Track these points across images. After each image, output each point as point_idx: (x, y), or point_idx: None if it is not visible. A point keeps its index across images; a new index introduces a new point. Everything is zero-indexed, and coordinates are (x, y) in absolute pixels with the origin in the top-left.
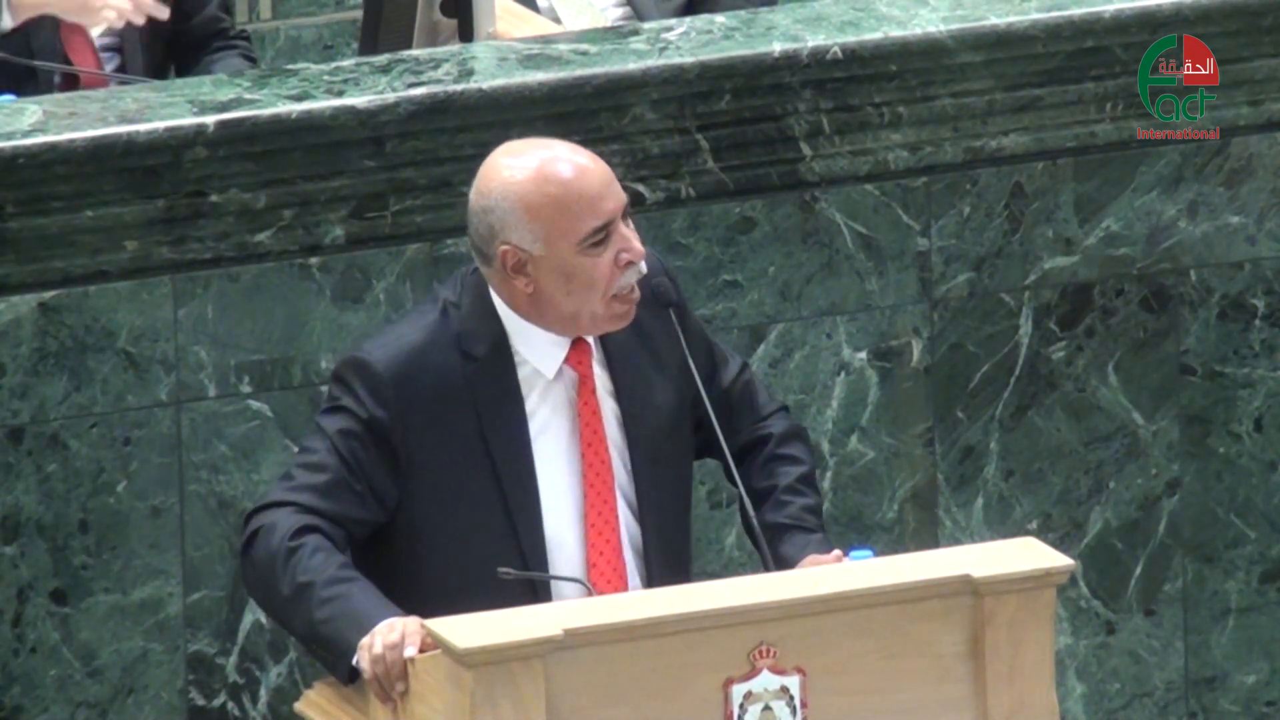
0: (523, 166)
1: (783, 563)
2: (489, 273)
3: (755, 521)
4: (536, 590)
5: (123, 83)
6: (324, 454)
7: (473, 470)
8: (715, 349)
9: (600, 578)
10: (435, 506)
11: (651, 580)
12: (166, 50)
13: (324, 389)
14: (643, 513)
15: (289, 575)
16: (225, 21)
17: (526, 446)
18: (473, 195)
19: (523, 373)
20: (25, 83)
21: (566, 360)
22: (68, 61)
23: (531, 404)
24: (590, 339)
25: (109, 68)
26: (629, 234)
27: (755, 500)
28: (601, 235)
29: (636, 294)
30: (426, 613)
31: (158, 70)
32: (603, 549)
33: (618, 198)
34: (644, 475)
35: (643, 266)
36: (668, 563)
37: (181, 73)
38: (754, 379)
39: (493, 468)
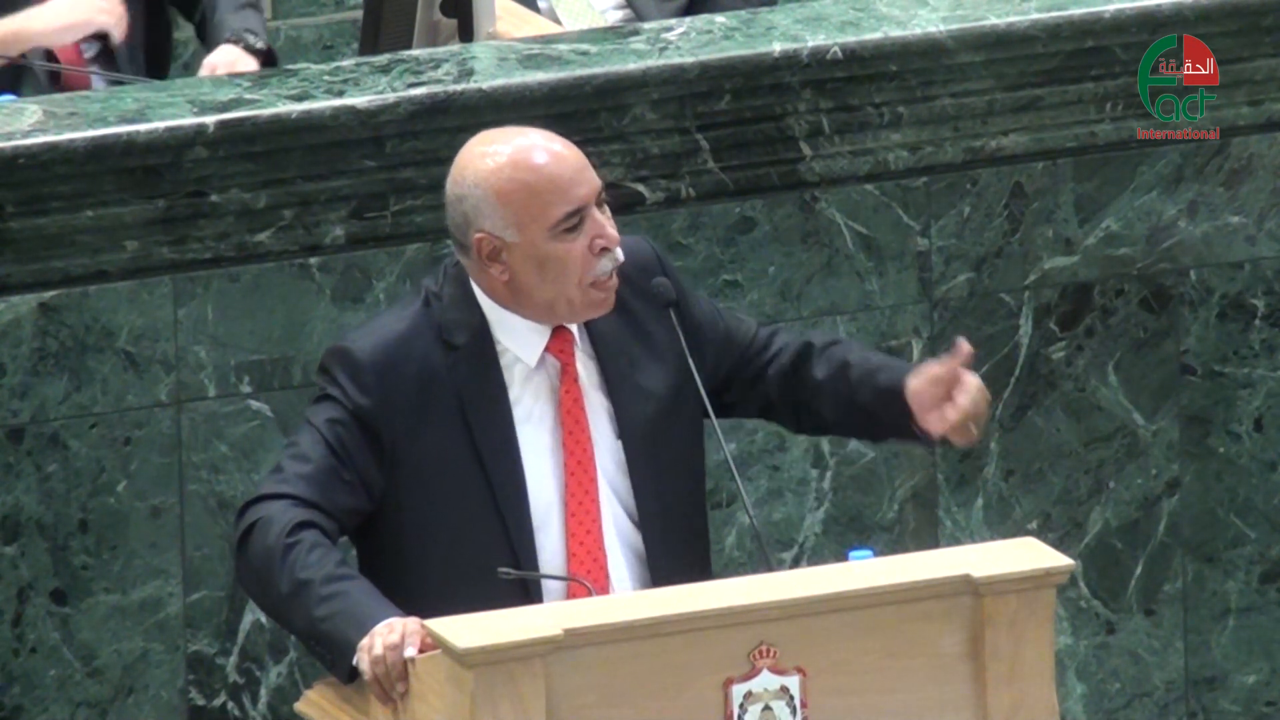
0: (495, 154)
1: (893, 393)
2: (467, 262)
3: (841, 406)
4: (527, 583)
5: (113, 81)
6: (312, 444)
7: (458, 458)
8: (731, 323)
9: (580, 568)
10: (421, 495)
11: (658, 569)
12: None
13: (316, 388)
14: (640, 503)
15: (287, 572)
16: None
17: (511, 434)
18: (449, 184)
19: (504, 361)
20: (17, 80)
21: (548, 349)
22: (49, 53)
23: (515, 392)
24: (574, 329)
25: (89, 54)
26: (603, 220)
27: (830, 390)
28: (574, 221)
29: (614, 281)
30: (416, 602)
31: (153, 30)
32: (583, 539)
33: (591, 184)
34: (640, 466)
35: (619, 254)
36: (677, 550)
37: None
38: (775, 329)
39: (478, 456)
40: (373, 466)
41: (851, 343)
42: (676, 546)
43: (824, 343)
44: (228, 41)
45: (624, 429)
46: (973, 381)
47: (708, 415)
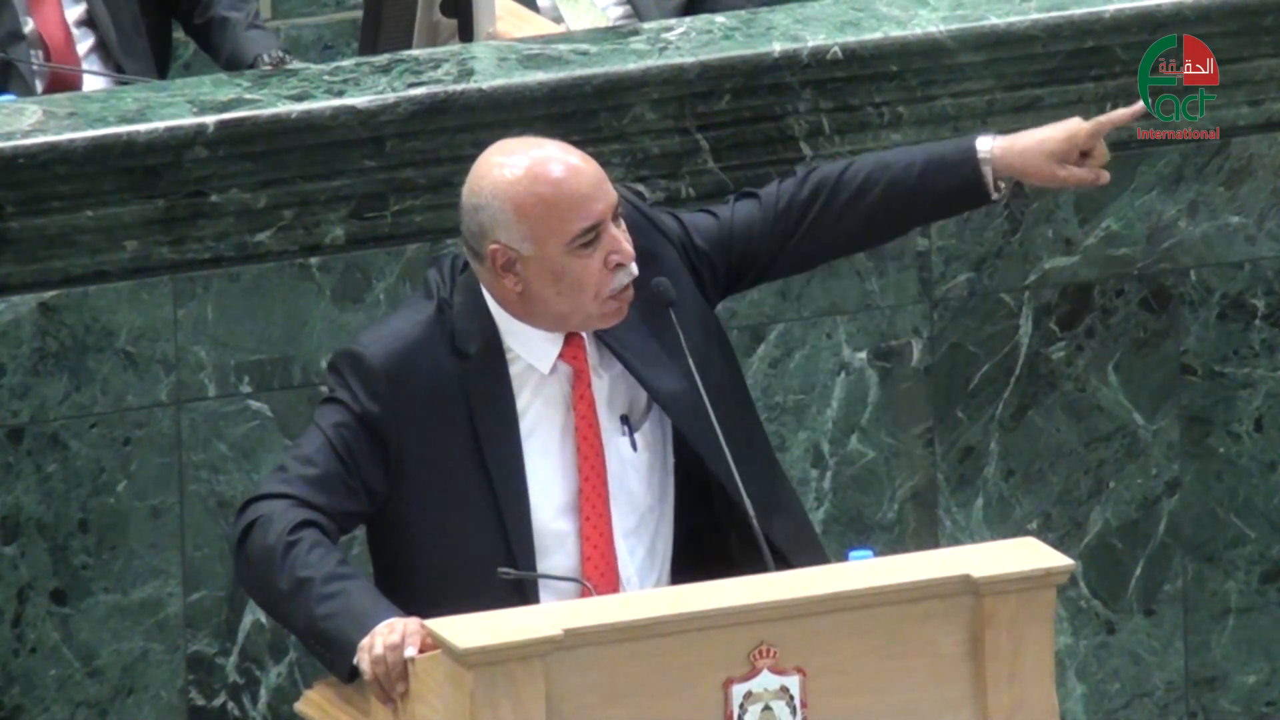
0: (514, 165)
1: (948, 155)
2: (480, 271)
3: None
4: (525, 589)
5: (119, 81)
6: (318, 447)
7: (464, 467)
8: (700, 219)
9: (594, 570)
10: (426, 502)
11: (766, 525)
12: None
13: (324, 389)
14: (703, 451)
15: (287, 570)
16: None
17: (517, 444)
18: (465, 193)
19: (515, 369)
20: (4, 78)
21: (560, 355)
22: (43, 43)
23: (524, 401)
24: (584, 334)
25: (87, 42)
26: (619, 235)
27: (884, 197)
28: (591, 236)
29: (630, 293)
30: (416, 608)
31: (141, 26)
32: (596, 542)
33: (608, 199)
34: (698, 432)
35: (633, 268)
36: (769, 502)
37: (185, 19)
38: (742, 194)
39: (483, 465)
40: (377, 473)
41: (863, 163)
42: (767, 497)
43: (842, 174)
44: (268, 67)
45: (665, 396)
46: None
47: (749, 251)
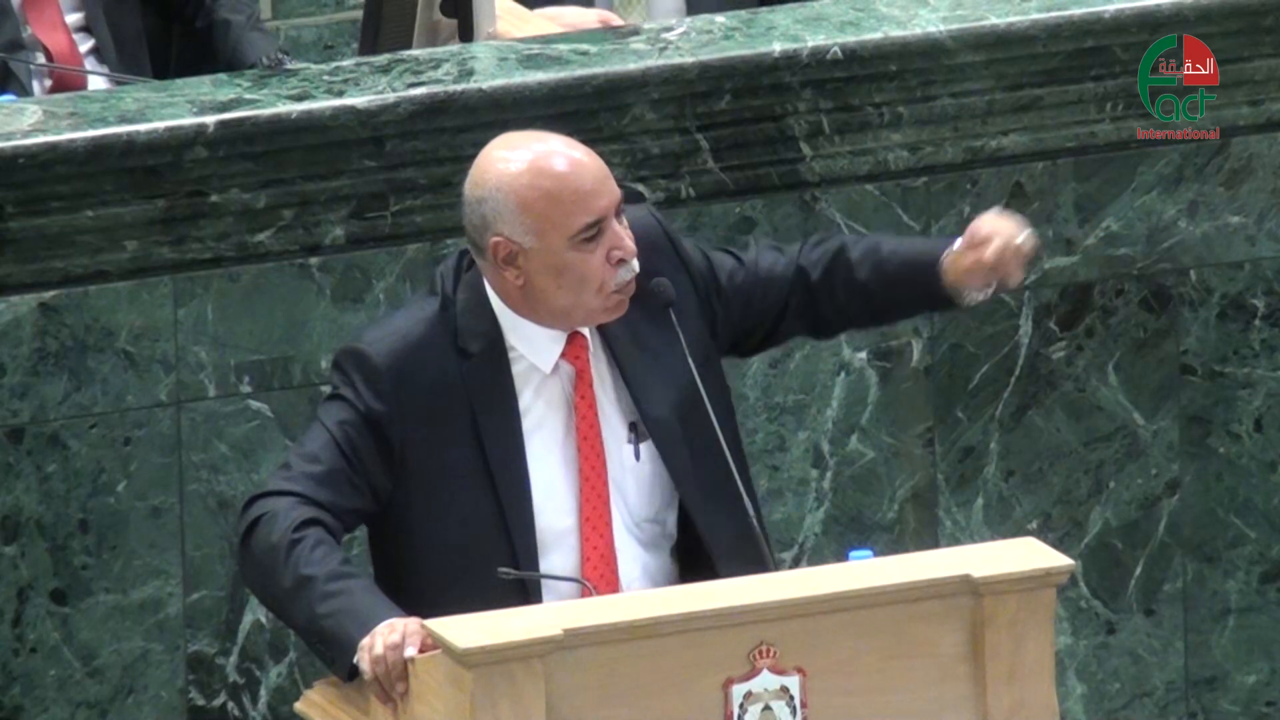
0: (517, 159)
1: (926, 257)
2: (482, 265)
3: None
4: (527, 588)
5: (115, 81)
6: (323, 444)
7: (466, 466)
8: (725, 261)
9: (594, 571)
10: (428, 501)
11: (717, 558)
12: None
13: (324, 389)
14: (682, 489)
15: (291, 568)
16: None
17: (519, 443)
18: (467, 186)
19: (518, 368)
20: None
21: (563, 355)
22: (43, 46)
23: (526, 400)
24: (587, 332)
25: (86, 46)
26: (621, 231)
27: (881, 278)
28: (593, 231)
29: (632, 288)
30: (418, 606)
31: (142, 35)
32: (596, 543)
33: (611, 194)
34: (676, 453)
35: (635, 264)
36: (729, 535)
37: (186, 25)
38: (766, 245)
39: (486, 464)
40: (381, 471)
41: (868, 246)
42: (727, 530)
43: (849, 255)
44: (268, 69)
45: (652, 422)
46: (1000, 228)
47: (714, 404)
